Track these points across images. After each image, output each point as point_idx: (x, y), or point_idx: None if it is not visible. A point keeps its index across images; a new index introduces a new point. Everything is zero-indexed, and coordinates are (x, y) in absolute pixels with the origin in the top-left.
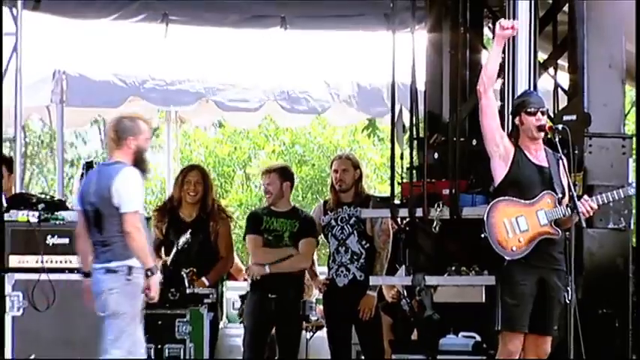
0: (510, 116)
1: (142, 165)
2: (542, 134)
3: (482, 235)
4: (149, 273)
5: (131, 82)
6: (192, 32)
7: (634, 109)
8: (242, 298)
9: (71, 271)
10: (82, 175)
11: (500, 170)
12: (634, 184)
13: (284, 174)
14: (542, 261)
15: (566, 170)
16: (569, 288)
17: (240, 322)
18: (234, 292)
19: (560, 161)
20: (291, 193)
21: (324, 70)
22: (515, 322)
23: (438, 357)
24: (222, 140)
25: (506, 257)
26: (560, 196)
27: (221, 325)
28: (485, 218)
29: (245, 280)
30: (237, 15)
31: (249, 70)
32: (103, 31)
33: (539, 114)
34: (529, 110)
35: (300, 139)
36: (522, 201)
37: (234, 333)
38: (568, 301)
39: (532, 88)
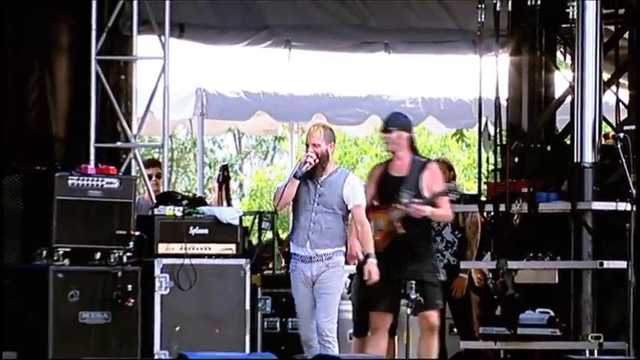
0: None
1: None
2: (393, 149)
3: None
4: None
5: (258, 99)
6: (311, 56)
7: None
8: (350, 277)
9: (210, 256)
10: (218, 176)
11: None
12: None
13: None
14: (396, 257)
15: (433, 175)
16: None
17: (349, 299)
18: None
19: (426, 167)
20: None
21: (421, 87)
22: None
23: (519, 329)
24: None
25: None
26: (406, 198)
27: None
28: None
29: (354, 263)
30: (349, 41)
31: (356, 88)
32: (235, 55)
33: (385, 133)
34: (381, 129)
35: None
36: (383, 207)
37: (344, 309)
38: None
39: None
